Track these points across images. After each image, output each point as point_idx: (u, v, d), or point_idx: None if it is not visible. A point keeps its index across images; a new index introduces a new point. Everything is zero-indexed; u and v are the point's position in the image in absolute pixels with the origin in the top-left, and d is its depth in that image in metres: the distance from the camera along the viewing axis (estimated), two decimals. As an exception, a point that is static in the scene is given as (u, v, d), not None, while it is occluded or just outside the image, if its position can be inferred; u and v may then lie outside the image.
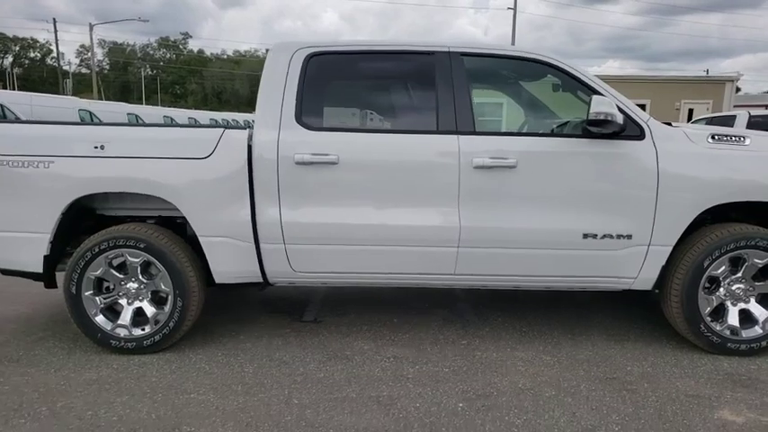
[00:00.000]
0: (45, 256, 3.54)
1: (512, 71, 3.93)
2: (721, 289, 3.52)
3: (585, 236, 3.45)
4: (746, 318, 3.53)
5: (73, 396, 3.04)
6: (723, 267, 3.47)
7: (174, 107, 44.37)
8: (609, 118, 3.22)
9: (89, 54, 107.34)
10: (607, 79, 3.78)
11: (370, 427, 2.73)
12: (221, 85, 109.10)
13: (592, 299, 4.76)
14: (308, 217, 3.50)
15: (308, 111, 3.56)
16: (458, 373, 3.33)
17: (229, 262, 3.57)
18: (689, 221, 3.42)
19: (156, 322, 3.57)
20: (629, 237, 3.44)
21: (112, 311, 3.63)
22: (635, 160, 3.41)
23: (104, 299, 3.58)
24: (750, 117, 11.50)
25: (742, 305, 3.53)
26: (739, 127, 11.09)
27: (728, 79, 25.16)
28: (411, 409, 2.91)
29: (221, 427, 2.74)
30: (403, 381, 3.24)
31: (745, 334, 3.51)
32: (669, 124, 3.67)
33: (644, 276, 3.52)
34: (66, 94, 36.45)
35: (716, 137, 3.51)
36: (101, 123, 5.71)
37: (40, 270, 3.58)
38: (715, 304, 3.52)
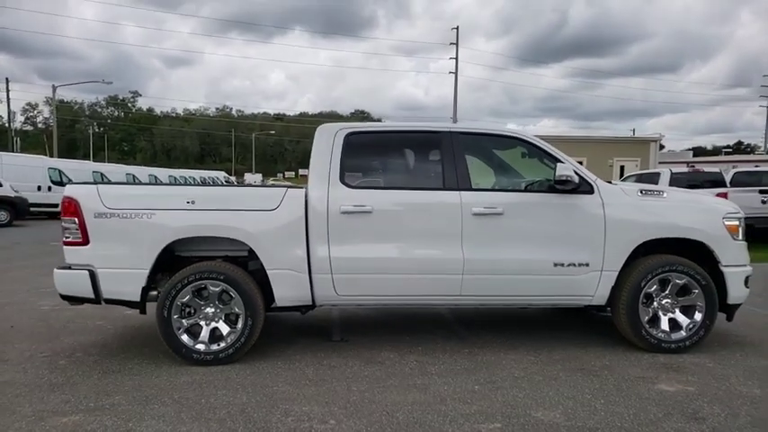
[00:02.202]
0: (143, 288, 4.49)
1: (494, 144, 5.21)
2: (654, 303, 4.79)
3: (555, 264, 4.68)
4: (674, 324, 4.80)
5: (182, 391, 3.96)
6: (655, 286, 4.74)
7: (124, 164, 44.41)
8: (569, 178, 4.53)
9: (35, 112, 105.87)
10: (551, 139, 5.12)
11: (416, 402, 3.78)
12: (171, 143, 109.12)
13: (556, 318, 5.98)
14: (350, 253, 4.60)
15: (349, 174, 4.73)
16: (468, 369, 4.43)
17: (289, 288, 4.61)
18: (629, 252, 4.70)
19: (230, 338, 4.53)
20: (587, 264, 4.69)
21: (190, 332, 4.56)
22: (588, 208, 4.70)
23: (188, 321, 4.53)
24: (672, 174, 13.41)
25: (670, 315, 4.80)
26: (663, 181, 12.97)
27: (652, 139, 28.03)
28: (441, 391, 3.98)
29: (307, 405, 3.73)
30: (429, 375, 4.31)
31: (674, 336, 4.76)
32: (609, 182, 5.01)
33: (599, 294, 4.75)
34: (16, 152, 36.30)
35: (643, 191, 4.86)
36: (188, 184, 6.68)
37: (138, 299, 4.52)
38: (651, 314, 4.78)
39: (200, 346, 4.51)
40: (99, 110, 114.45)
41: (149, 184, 4.71)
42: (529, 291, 4.75)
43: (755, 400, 3.78)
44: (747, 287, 4.84)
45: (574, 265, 4.68)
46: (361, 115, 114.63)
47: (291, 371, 4.41)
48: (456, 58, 43.33)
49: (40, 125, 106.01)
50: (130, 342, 5.20)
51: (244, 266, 4.74)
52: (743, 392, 3.93)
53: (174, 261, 4.74)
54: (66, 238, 4.52)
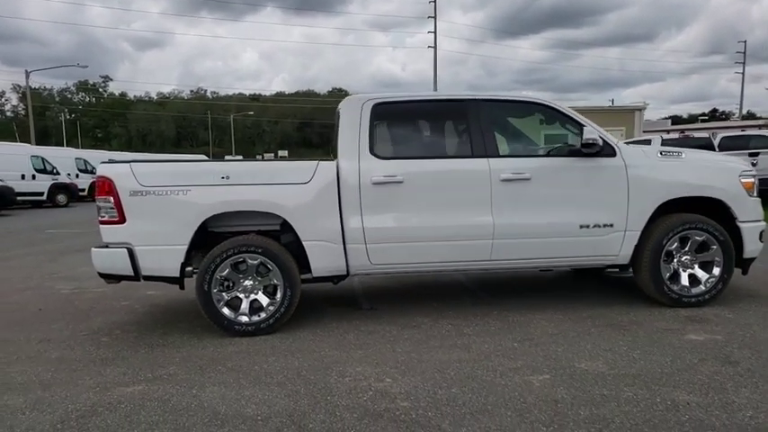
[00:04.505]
0: (182, 263, 4.56)
1: (517, 110, 5.31)
2: (675, 260, 4.99)
3: (581, 226, 4.85)
4: (693, 279, 5.01)
5: (234, 360, 4.07)
6: (675, 244, 4.94)
7: (105, 151, 43.69)
8: (595, 142, 4.68)
9: (2, 99, 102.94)
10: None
11: (462, 359, 3.94)
12: (146, 128, 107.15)
13: (572, 281, 6.19)
14: (382, 223, 4.72)
15: (378, 144, 4.82)
16: (502, 329, 4.61)
17: (324, 259, 4.72)
18: (651, 212, 4.89)
19: (270, 309, 4.63)
20: (612, 225, 4.86)
21: (229, 304, 4.65)
22: (611, 171, 4.86)
23: (228, 294, 4.62)
24: (662, 141, 13.71)
25: (690, 271, 5.02)
26: (655, 149, 13.27)
27: (637, 108, 28.51)
28: (483, 349, 4.15)
29: (359, 366, 3.87)
30: (467, 335, 4.47)
31: (694, 291, 4.98)
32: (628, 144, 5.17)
33: (623, 254, 4.94)
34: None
35: (663, 153, 5.04)
36: (223, 160, 6.70)
37: (177, 275, 4.59)
38: (672, 271, 4.98)
39: (243, 318, 4.60)
40: (69, 96, 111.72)
41: (182, 161, 4.73)
42: (556, 253, 4.91)
43: (781, 344, 4.03)
44: (762, 241, 5.07)
45: (599, 226, 4.85)
46: (339, 93, 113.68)
47: (333, 337, 4.54)
48: (435, 32, 43.26)
49: (8, 113, 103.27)
50: (163, 319, 5.28)
51: (276, 240, 4.82)
52: (767, 338, 4.17)
53: (206, 237, 4.81)
54: (102, 217, 4.55)
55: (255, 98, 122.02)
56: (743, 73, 57.04)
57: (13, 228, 14.89)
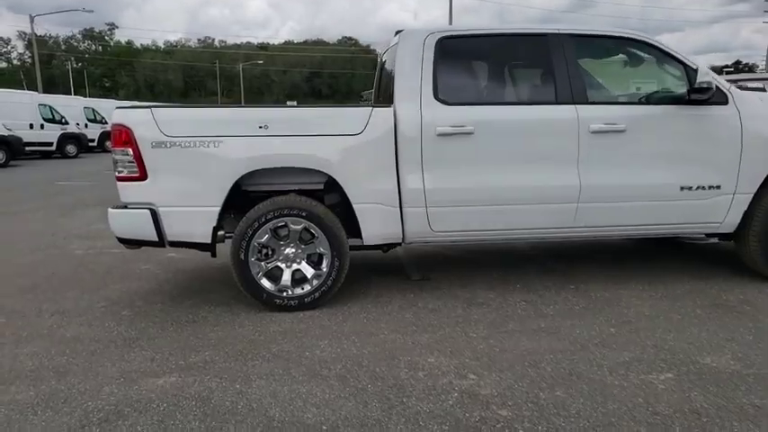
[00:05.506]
0: (214, 228, 3.87)
1: (608, 49, 4.48)
2: (789, 229, 4.25)
3: (682, 188, 4.10)
4: (810, 251, 4.27)
5: (278, 343, 3.42)
6: (792, 210, 4.19)
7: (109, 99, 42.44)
8: (709, 86, 3.87)
9: (8, 47, 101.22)
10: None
11: (554, 349, 3.27)
12: (153, 77, 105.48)
13: (644, 248, 5.48)
14: (447, 182, 3.98)
15: (444, 88, 4.03)
16: (588, 309, 3.92)
17: (377, 225, 4.01)
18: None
19: (315, 281, 3.96)
20: (719, 187, 4.11)
21: (269, 275, 3.98)
22: (722, 121, 4.08)
23: (267, 263, 3.95)
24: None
25: (806, 241, 4.27)
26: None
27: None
28: (575, 335, 3.47)
29: (431, 356, 3.21)
30: (549, 317, 3.79)
31: (813, 264, 4.25)
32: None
33: (729, 221, 4.20)
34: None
35: (783, 100, 4.22)
36: (263, 105, 5.95)
37: (209, 241, 3.90)
38: (784, 242, 4.24)
39: (284, 291, 3.95)
40: (75, 44, 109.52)
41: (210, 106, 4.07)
42: (650, 219, 4.18)
43: None
44: None
45: (703, 188, 4.10)
46: (349, 42, 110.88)
47: (388, 315, 3.89)
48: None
49: (14, 61, 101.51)
50: (190, 288, 4.64)
51: (320, 201, 4.12)
52: None
53: (240, 197, 4.10)
54: (120, 172, 3.85)
55: (263, 47, 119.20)
56: (772, 23, 54.47)
57: (22, 180, 14.28)
